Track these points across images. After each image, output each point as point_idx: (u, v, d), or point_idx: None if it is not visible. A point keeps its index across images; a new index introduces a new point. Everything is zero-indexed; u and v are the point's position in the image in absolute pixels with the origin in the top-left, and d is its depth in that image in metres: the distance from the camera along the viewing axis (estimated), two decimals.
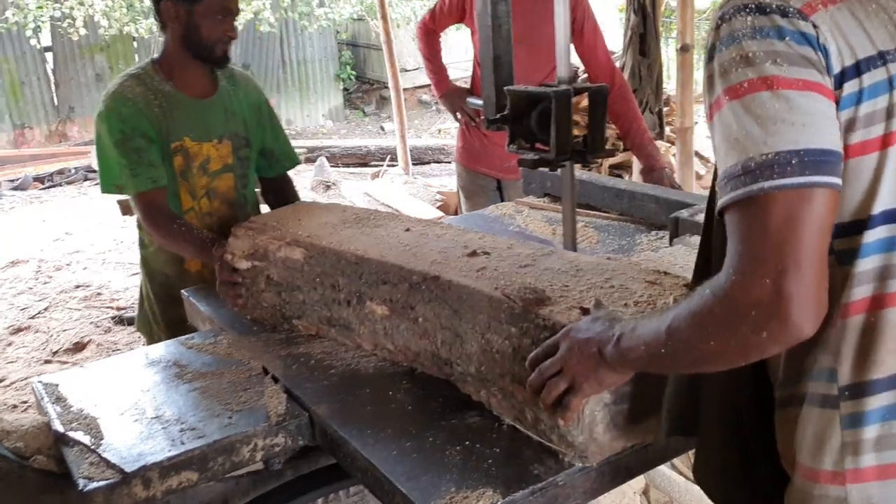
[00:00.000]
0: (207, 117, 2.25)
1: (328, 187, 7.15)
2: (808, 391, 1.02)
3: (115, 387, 1.68)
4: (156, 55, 2.27)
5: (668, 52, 7.19)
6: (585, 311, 1.30)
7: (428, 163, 8.48)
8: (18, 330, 4.58)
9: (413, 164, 7.71)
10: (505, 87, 1.84)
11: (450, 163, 7.89)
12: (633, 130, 2.98)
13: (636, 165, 4.49)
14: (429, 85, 3.47)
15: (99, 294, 5.08)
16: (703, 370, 1.05)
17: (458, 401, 1.48)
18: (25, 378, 3.90)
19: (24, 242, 6.21)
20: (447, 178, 7.33)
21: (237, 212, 2.34)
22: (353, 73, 12.56)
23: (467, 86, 3.42)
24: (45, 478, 1.44)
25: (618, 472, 1.32)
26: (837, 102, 0.93)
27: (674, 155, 4.71)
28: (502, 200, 3.21)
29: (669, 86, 5.93)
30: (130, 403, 1.60)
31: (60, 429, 1.49)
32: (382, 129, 11.16)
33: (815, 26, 0.92)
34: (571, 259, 1.59)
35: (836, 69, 0.93)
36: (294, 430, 1.51)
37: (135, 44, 10.49)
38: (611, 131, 4.74)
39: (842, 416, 0.98)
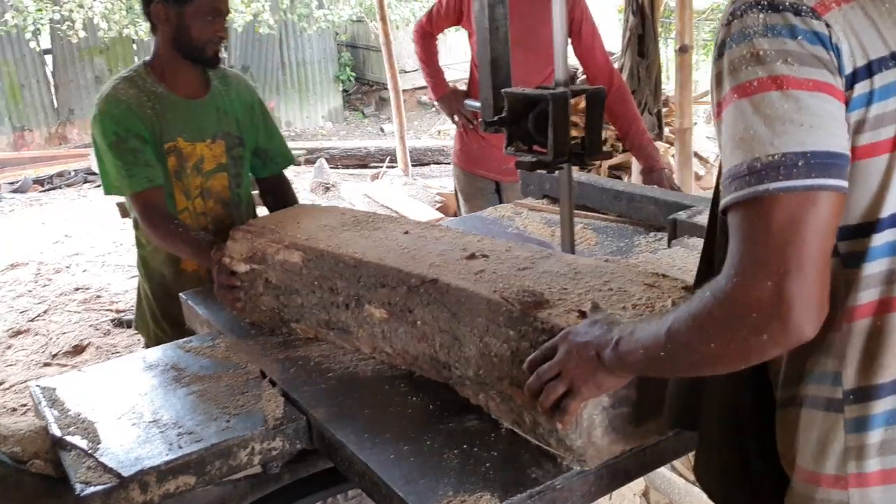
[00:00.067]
0: (200, 117, 2.26)
1: (328, 189, 7.15)
2: (811, 394, 1.01)
3: (113, 391, 1.68)
4: (148, 57, 2.28)
5: (667, 53, 7.20)
6: (584, 315, 1.30)
7: (427, 164, 8.48)
8: (18, 333, 4.59)
9: (412, 165, 7.71)
10: (502, 90, 1.84)
11: (449, 164, 7.89)
12: (632, 131, 2.98)
13: (635, 166, 4.50)
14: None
15: (98, 297, 5.08)
16: (703, 373, 1.05)
17: (456, 404, 1.48)
18: (24, 381, 3.90)
19: (24, 245, 6.21)
20: (447, 180, 7.32)
21: (232, 211, 2.35)
22: (353, 74, 12.57)
23: (465, 87, 3.42)
24: (43, 482, 1.43)
25: (616, 475, 1.32)
26: (848, 103, 0.92)
27: (673, 156, 4.71)
28: (501, 202, 3.21)
29: (668, 87, 5.93)
30: (128, 407, 1.59)
31: (58, 433, 1.49)
32: (382, 130, 11.16)
33: (828, 25, 0.91)
34: (570, 262, 1.58)
35: (848, 69, 0.91)
36: (292, 433, 1.50)
37: (134, 46, 10.49)
38: (610, 132, 4.75)
39: (846, 419, 0.98)
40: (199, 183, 2.28)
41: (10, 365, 4.18)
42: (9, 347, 4.41)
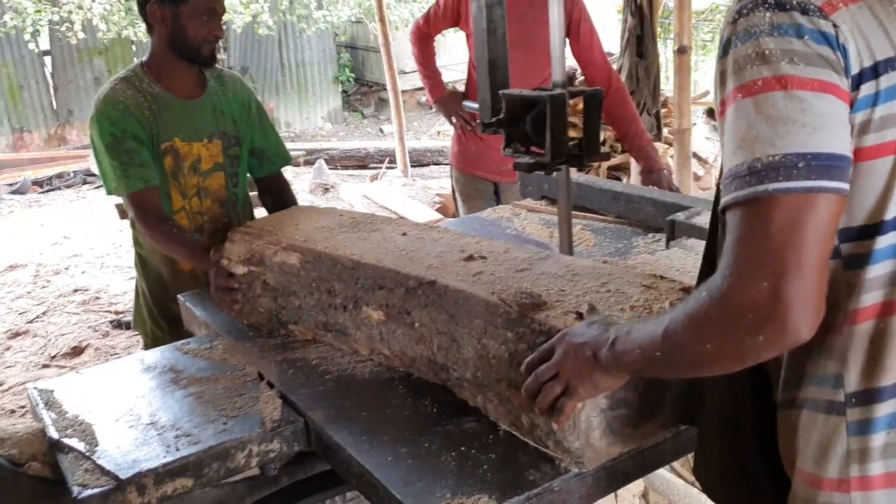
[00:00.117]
0: (196, 117, 2.27)
1: (327, 189, 7.15)
2: (811, 396, 1.01)
3: (111, 393, 1.67)
4: (144, 58, 2.28)
5: (666, 54, 7.18)
6: (581, 316, 1.29)
7: (427, 165, 8.48)
8: (17, 334, 4.59)
9: (412, 166, 7.70)
10: (500, 91, 1.84)
11: (448, 164, 7.89)
12: (631, 132, 2.97)
13: (634, 167, 4.50)
14: None
15: (97, 298, 5.08)
16: (700, 374, 1.04)
17: (454, 406, 1.48)
18: (23, 383, 3.89)
19: (23, 246, 6.21)
20: (446, 181, 7.31)
21: (229, 210, 2.36)
22: (352, 75, 12.57)
23: (463, 89, 3.41)
24: (40, 485, 1.43)
25: (614, 477, 1.32)
26: (853, 104, 0.91)
27: (671, 157, 4.71)
28: (499, 203, 3.21)
29: (667, 87, 5.93)
30: (125, 409, 1.59)
31: (55, 435, 1.48)
32: (381, 131, 11.16)
33: (835, 25, 0.90)
34: (568, 263, 1.58)
35: (855, 70, 0.91)
36: (289, 435, 1.50)
37: (133, 47, 10.49)
38: (609, 133, 4.75)
39: (848, 423, 0.97)
40: (195, 182, 2.28)
41: (9, 366, 4.18)
42: (7, 349, 4.40)
